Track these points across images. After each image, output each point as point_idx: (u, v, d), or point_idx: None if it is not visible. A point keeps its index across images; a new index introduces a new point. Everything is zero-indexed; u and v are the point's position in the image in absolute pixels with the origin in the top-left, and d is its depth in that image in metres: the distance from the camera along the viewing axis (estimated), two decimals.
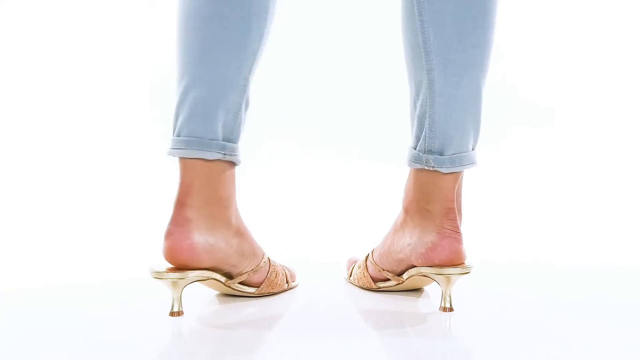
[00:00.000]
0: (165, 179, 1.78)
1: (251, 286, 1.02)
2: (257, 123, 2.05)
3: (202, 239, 0.93)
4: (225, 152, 0.94)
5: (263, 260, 1.02)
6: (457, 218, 0.97)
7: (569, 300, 1.04)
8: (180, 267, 0.93)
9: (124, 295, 1.08)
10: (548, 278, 1.18)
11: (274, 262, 1.05)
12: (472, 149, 0.97)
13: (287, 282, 1.06)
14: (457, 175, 0.97)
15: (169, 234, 0.92)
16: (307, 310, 0.97)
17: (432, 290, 1.10)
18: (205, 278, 0.95)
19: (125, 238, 1.49)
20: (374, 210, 1.62)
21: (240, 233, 0.98)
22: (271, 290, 1.04)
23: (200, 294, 1.08)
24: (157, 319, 0.94)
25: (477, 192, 1.75)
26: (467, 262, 0.96)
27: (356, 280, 1.12)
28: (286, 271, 1.07)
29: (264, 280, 1.02)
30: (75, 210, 1.63)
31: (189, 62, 0.92)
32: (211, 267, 0.95)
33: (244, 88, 0.94)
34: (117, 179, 1.81)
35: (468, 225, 1.55)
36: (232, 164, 0.96)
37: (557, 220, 1.56)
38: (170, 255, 0.92)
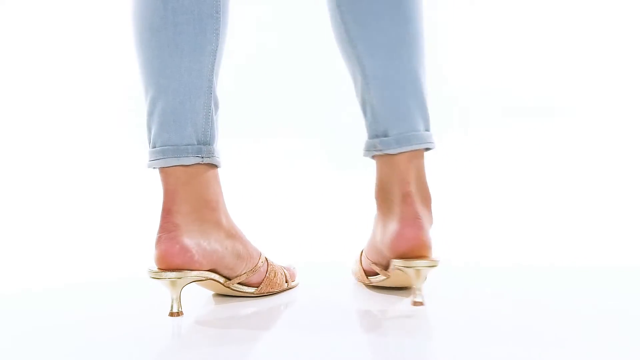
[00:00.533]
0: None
1: (250, 286, 1.02)
2: (255, 122, 2.05)
3: (194, 242, 0.93)
4: (203, 155, 0.95)
5: (260, 260, 1.02)
6: (417, 203, 0.96)
7: (569, 302, 1.04)
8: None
9: (124, 296, 1.08)
10: (549, 279, 1.18)
11: (272, 262, 1.05)
12: (425, 130, 0.97)
13: (286, 282, 1.06)
14: (408, 156, 0.97)
15: (158, 241, 0.93)
16: (306, 310, 0.97)
17: (430, 290, 1.10)
18: (203, 278, 0.95)
19: (124, 238, 1.50)
20: (373, 209, 1.62)
21: (232, 235, 0.99)
22: (271, 290, 1.04)
23: (199, 294, 1.09)
24: (156, 319, 0.94)
25: (476, 192, 1.75)
26: (434, 253, 0.95)
27: (354, 275, 1.13)
28: (285, 271, 1.07)
29: (263, 280, 1.02)
30: (75, 211, 1.64)
31: (150, 73, 0.94)
32: (208, 270, 0.96)
33: (209, 90, 0.95)
34: (115, 179, 1.81)
35: (468, 226, 1.56)
36: (213, 166, 0.97)
37: (556, 221, 1.56)
38: (162, 261, 0.92)
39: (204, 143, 0.95)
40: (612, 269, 1.22)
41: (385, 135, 0.97)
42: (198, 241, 0.94)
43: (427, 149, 0.99)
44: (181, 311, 0.93)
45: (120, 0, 2.19)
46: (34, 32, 2.12)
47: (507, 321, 0.92)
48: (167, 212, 0.93)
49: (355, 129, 2.05)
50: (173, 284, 0.92)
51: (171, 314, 0.93)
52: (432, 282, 1.10)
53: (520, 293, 1.06)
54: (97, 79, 2.12)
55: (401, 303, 0.98)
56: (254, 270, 1.00)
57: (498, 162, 1.91)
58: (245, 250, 1.00)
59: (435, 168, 1.88)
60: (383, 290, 1.08)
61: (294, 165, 1.89)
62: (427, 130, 0.98)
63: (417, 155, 0.97)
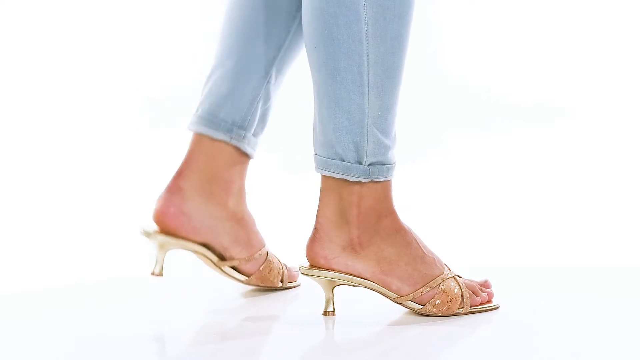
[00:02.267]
0: (164, 179, 1.78)
1: (242, 274, 1.01)
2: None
3: (192, 210, 0.95)
4: (232, 136, 0.96)
5: (259, 253, 1.01)
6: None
7: (569, 303, 1.04)
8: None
9: (123, 296, 1.07)
10: (549, 279, 1.17)
11: (273, 259, 1.04)
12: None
13: (281, 281, 1.05)
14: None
15: (159, 198, 0.95)
16: (304, 310, 0.97)
17: None
18: (193, 250, 0.95)
19: (125, 238, 1.49)
20: None
21: (237, 219, 0.99)
22: (260, 284, 1.02)
23: (199, 295, 1.08)
24: (156, 319, 0.94)
25: (477, 193, 1.75)
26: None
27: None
28: (284, 270, 1.06)
29: (255, 271, 1.01)
30: (75, 210, 1.63)
31: (220, 42, 0.99)
32: (199, 242, 0.96)
33: (262, 79, 0.97)
34: (115, 178, 1.81)
35: (469, 226, 1.56)
36: (241, 152, 0.97)
37: (560, 221, 1.56)
38: (155, 217, 0.95)
39: (240, 126, 0.96)
40: (612, 269, 1.22)
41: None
42: (197, 211, 0.95)
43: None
44: (162, 272, 0.93)
45: (121, 0, 2.18)
46: (34, 32, 2.12)
47: (507, 321, 0.92)
48: (179, 174, 0.96)
49: None
50: (161, 246, 0.93)
51: (152, 274, 0.93)
52: None
53: (523, 293, 1.06)
54: (98, 79, 2.12)
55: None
56: (248, 259, 1.00)
57: (499, 163, 1.91)
58: (246, 238, 1.00)
59: (437, 169, 1.88)
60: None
61: (297, 163, 1.88)
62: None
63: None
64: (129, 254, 1.33)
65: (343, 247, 0.91)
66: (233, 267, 1.00)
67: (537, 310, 0.97)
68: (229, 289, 1.08)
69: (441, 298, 0.90)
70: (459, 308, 0.92)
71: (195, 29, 2.19)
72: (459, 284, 0.92)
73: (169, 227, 0.94)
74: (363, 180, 0.89)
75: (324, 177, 0.91)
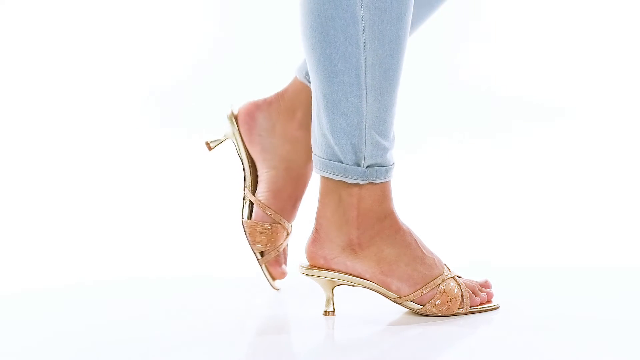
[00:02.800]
0: (168, 179, 1.78)
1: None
2: None
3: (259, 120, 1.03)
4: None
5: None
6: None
7: (568, 304, 1.04)
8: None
9: (123, 296, 1.07)
10: (549, 280, 1.17)
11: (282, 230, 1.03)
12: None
13: (261, 253, 1.03)
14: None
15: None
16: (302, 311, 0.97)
17: None
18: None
19: (128, 238, 1.49)
20: None
21: (293, 142, 1.03)
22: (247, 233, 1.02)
23: (198, 295, 1.08)
24: (156, 320, 0.94)
25: (477, 193, 1.75)
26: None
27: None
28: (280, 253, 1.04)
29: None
30: (75, 210, 1.63)
31: None
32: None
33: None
34: (116, 178, 1.81)
35: (471, 226, 1.56)
36: None
37: (556, 221, 1.56)
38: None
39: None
40: (612, 269, 1.22)
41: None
42: (266, 124, 1.04)
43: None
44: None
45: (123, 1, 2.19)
46: (35, 33, 2.12)
47: (507, 321, 0.92)
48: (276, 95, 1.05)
49: None
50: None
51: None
52: None
53: (523, 293, 1.06)
54: (98, 79, 2.12)
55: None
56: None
57: (498, 162, 1.91)
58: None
59: (437, 168, 1.88)
60: None
61: None
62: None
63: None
64: (129, 254, 1.33)
65: (343, 247, 0.91)
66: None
67: (537, 310, 0.97)
68: (228, 288, 1.08)
69: (441, 298, 0.91)
70: (458, 308, 0.92)
71: (198, 28, 2.19)
72: (458, 284, 0.92)
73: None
74: (361, 182, 0.89)
75: (323, 178, 0.92)
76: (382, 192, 0.91)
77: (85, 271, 1.22)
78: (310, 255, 0.92)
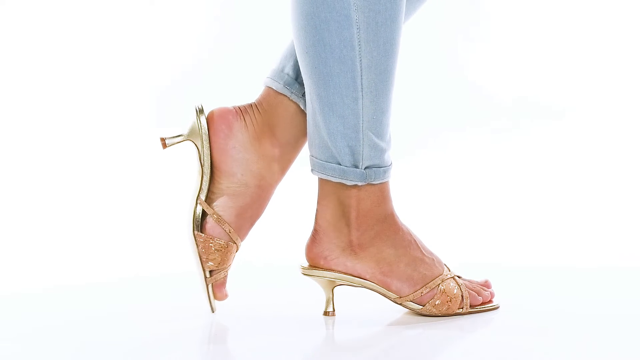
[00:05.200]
0: (166, 178, 1.78)
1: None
2: None
3: (233, 142, 0.94)
4: (292, 91, 0.94)
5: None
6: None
7: (569, 304, 1.04)
8: None
9: (123, 297, 1.07)
10: (549, 280, 1.17)
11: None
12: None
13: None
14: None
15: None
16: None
17: None
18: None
19: (130, 238, 1.49)
20: None
21: (267, 162, 0.97)
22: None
23: (198, 295, 1.08)
24: (156, 321, 0.94)
25: (480, 193, 1.75)
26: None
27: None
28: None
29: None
30: (75, 211, 1.64)
31: None
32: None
33: None
34: (116, 178, 1.81)
35: (469, 226, 1.56)
36: (300, 109, 0.95)
37: (556, 221, 1.56)
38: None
39: (301, 83, 0.94)
40: (612, 269, 1.22)
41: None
42: (237, 142, 0.94)
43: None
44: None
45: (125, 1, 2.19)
46: (35, 33, 2.12)
47: (507, 321, 0.92)
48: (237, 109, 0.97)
49: None
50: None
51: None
52: None
53: (523, 293, 1.06)
54: (98, 79, 2.12)
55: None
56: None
57: (498, 162, 1.91)
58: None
59: (437, 168, 1.88)
60: None
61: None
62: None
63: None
64: (127, 254, 1.33)
65: (342, 248, 0.91)
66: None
67: (537, 310, 0.97)
68: (228, 289, 1.08)
69: (441, 298, 0.91)
70: (458, 308, 0.92)
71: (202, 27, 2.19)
72: (458, 284, 0.92)
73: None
74: (360, 183, 0.89)
75: (321, 180, 0.92)
76: (381, 193, 0.91)
77: (85, 271, 1.22)
78: (310, 256, 0.92)
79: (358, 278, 0.91)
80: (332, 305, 0.92)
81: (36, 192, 1.73)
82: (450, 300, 0.91)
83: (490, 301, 0.96)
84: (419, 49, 1.99)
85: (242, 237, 0.95)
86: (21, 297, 1.06)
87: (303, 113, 0.94)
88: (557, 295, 1.06)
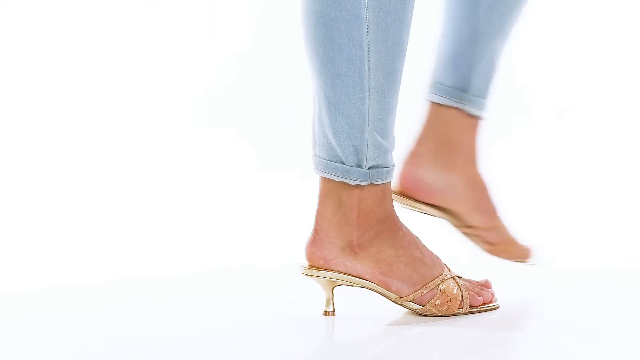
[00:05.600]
0: (168, 178, 1.78)
1: (486, 244, 1.01)
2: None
3: (425, 174, 1.00)
4: (456, 100, 1.01)
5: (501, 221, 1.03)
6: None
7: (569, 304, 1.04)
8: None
9: (123, 297, 1.07)
10: (549, 280, 1.17)
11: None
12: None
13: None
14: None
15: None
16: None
17: None
18: (430, 214, 1.00)
19: (131, 238, 1.49)
20: None
21: (473, 184, 1.04)
22: (503, 256, 1.01)
23: (198, 295, 1.08)
24: (156, 320, 0.94)
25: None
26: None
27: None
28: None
29: (499, 241, 1.02)
30: (75, 211, 1.64)
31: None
32: (436, 205, 1.01)
33: (474, 41, 1.01)
34: (119, 179, 1.81)
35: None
36: (467, 114, 1.02)
37: (556, 221, 1.56)
38: (396, 183, 1.00)
39: (462, 90, 1.01)
40: (611, 270, 1.22)
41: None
42: (430, 175, 1.01)
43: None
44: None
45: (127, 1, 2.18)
46: (35, 33, 2.12)
47: (507, 321, 0.92)
48: (415, 140, 1.03)
49: None
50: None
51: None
52: None
53: (523, 293, 1.06)
54: (98, 79, 2.12)
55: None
56: (489, 228, 1.03)
57: (498, 162, 1.90)
58: (484, 204, 1.04)
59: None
60: None
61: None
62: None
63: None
64: (127, 254, 1.33)
65: (342, 248, 0.91)
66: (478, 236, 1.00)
67: (537, 310, 0.98)
68: (228, 288, 1.08)
69: (441, 298, 0.91)
70: (458, 308, 0.92)
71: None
72: (458, 285, 0.92)
73: (405, 190, 0.99)
74: (363, 183, 0.89)
75: (323, 179, 0.92)
76: (383, 193, 0.92)
77: (85, 272, 1.22)
78: (310, 256, 0.93)
79: (358, 278, 0.91)
80: (332, 305, 0.93)
81: (36, 192, 1.73)
82: (450, 301, 0.91)
83: (490, 301, 0.96)
84: (418, 48, 1.99)
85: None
86: (20, 298, 1.06)
87: (471, 117, 1.00)
88: (557, 295, 1.06)
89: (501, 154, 1.95)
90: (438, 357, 0.84)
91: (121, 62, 2.14)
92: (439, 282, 0.91)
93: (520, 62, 2.19)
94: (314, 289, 0.96)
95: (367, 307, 0.96)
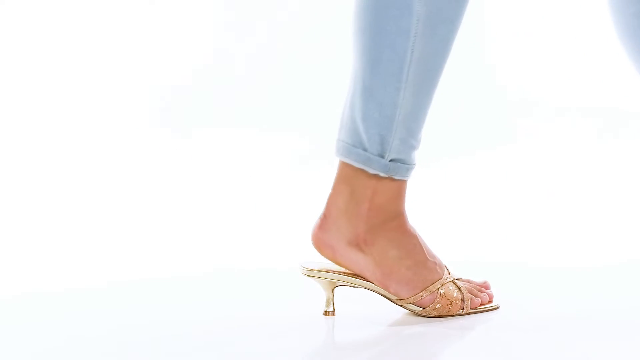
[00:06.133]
0: (168, 178, 1.78)
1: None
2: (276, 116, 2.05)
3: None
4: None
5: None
6: None
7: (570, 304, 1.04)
8: None
9: (123, 297, 1.07)
10: (549, 280, 1.17)
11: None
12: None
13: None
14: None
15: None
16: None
17: None
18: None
19: (130, 238, 1.49)
20: None
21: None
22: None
23: (198, 296, 1.08)
24: (157, 321, 0.94)
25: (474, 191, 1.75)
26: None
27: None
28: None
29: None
30: (77, 211, 1.63)
31: None
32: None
33: None
34: (119, 179, 1.81)
35: (469, 225, 1.56)
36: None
37: (557, 221, 1.56)
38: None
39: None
40: (611, 269, 1.22)
41: None
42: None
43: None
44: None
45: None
46: (36, 33, 2.12)
47: (507, 321, 0.92)
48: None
49: None
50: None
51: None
52: None
53: (522, 293, 1.06)
54: (98, 79, 2.12)
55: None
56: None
57: (498, 162, 1.90)
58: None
59: (436, 167, 1.88)
60: None
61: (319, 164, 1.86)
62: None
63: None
64: (129, 256, 1.33)
65: (349, 240, 0.90)
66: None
67: (537, 310, 0.97)
68: (228, 289, 1.08)
69: (441, 302, 0.91)
70: (459, 309, 0.92)
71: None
72: (458, 287, 0.92)
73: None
74: (381, 174, 0.88)
75: (342, 164, 0.90)
76: (398, 190, 0.91)
77: (85, 273, 1.22)
78: (316, 241, 0.92)
79: (359, 279, 0.91)
80: (332, 305, 0.93)
81: (36, 193, 1.73)
82: (451, 304, 0.91)
83: (490, 302, 0.95)
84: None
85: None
86: (20, 301, 1.06)
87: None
88: (557, 295, 1.06)
89: (501, 154, 1.94)
90: (438, 357, 0.84)
91: (121, 62, 2.14)
92: (439, 285, 0.91)
93: (520, 63, 2.19)
94: (314, 289, 0.96)
95: (367, 307, 0.96)
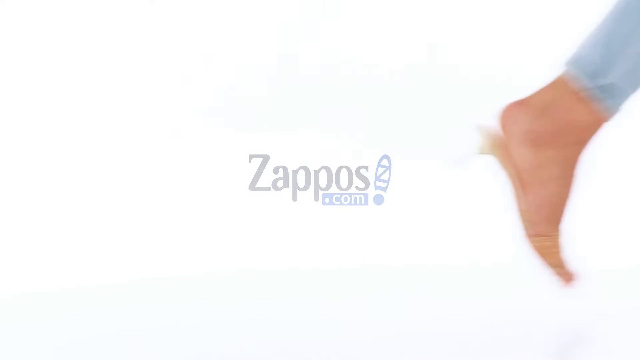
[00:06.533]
0: (168, 178, 1.78)
1: None
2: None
3: None
4: None
5: None
6: None
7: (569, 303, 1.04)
8: None
9: (123, 297, 1.07)
10: (549, 280, 1.17)
11: None
12: None
13: None
14: None
15: None
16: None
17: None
18: None
19: (130, 238, 1.49)
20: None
21: None
22: None
23: (198, 295, 1.08)
24: (156, 320, 0.94)
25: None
26: None
27: None
28: None
29: None
30: (76, 211, 1.64)
31: None
32: None
33: None
34: (117, 179, 1.81)
35: (469, 225, 1.56)
36: None
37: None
38: None
39: None
40: (611, 269, 1.22)
41: None
42: None
43: None
44: None
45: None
46: (36, 33, 2.12)
47: (507, 321, 0.92)
48: None
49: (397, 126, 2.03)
50: None
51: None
52: (433, 278, 1.10)
53: (525, 293, 1.06)
54: (97, 80, 2.12)
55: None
56: None
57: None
58: None
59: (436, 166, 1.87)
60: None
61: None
62: None
63: None
64: (130, 256, 1.33)
65: (528, 131, 0.90)
66: None
67: (538, 310, 0.98)
68: (228, 288, 1.08)
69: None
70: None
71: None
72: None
73: None
74: (583, 93, 0.87)
75: (563, 75, 0.88)
76: (589, 128, 0.91)
77: (85, 274, 1.22)
78: (504, 120, 0.92)
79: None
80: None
81: (36, 193, 1.73)
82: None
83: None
84: (406, 43, 1.99)
85: None
86: (19, 302, 1.06)
87: None
88: (557, 295, 1.06)
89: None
90: (438, 357, 0.84)
91: (121, 62, 2.15)
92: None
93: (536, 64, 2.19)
94: (314, 289, 0.96)
95: (367, 307, 0.96)
